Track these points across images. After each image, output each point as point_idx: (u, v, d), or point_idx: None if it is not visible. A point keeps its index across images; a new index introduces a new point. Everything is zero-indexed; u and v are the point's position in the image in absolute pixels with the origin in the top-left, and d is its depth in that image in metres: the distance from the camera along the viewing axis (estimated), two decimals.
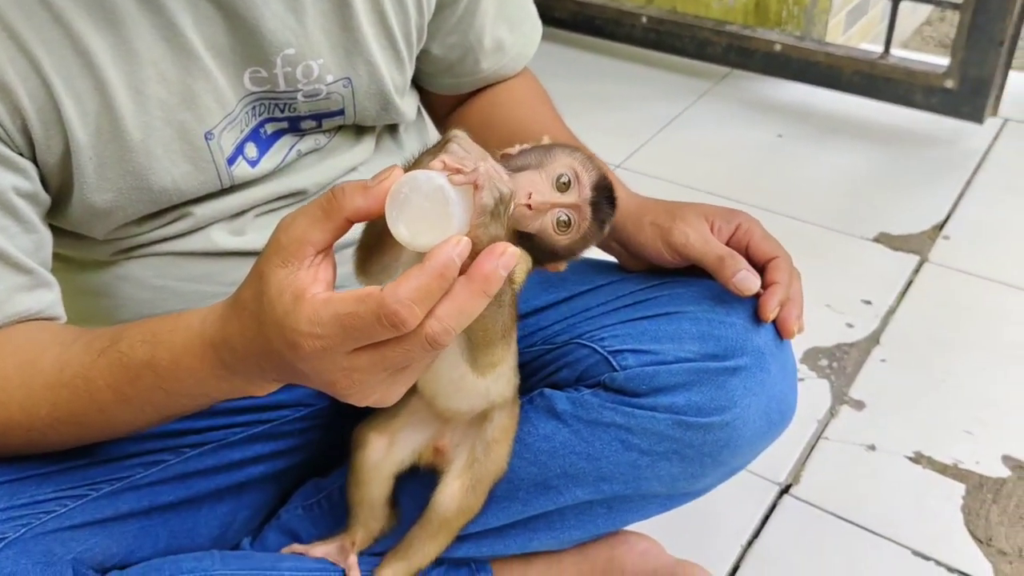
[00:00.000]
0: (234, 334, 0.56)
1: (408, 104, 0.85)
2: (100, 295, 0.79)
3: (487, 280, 0.49)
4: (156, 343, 0.60)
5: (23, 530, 0.66)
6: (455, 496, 0.75)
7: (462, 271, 0.49)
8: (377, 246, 0.58)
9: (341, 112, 0.79)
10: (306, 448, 0.87)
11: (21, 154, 0.66)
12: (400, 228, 0.50)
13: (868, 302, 1.37)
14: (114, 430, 0.67)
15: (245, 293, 0.55)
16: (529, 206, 0.60)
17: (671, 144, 1.80)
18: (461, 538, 0.78)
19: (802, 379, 1.22)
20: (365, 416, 0.83)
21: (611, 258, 0.88)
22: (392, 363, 0.51)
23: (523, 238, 0.62)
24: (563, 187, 0.62)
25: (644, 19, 2.06)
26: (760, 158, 1.75)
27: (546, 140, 0.66)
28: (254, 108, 0.75)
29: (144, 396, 0.62)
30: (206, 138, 0.71)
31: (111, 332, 0.63)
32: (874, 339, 1.30)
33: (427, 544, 0.77)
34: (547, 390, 0.79)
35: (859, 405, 1.20)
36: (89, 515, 0.71)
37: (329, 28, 0.74)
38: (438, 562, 0.80)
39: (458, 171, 0.51)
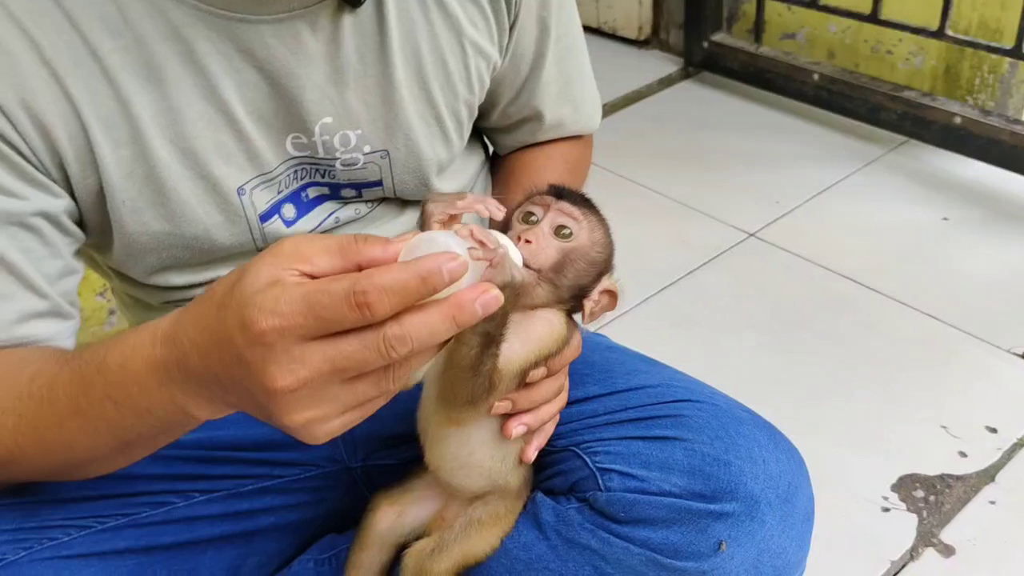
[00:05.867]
0: (187, 323, 0.53)
1: (448, 183, 0.85)
2: None
3: (461, 308, 0.48)
4: (112, 346, 0.58)
5: (23, 553, 0.69)
6: (416, 553, 0.75)
7: None
8: None
9: (379, 183, 0.80)
10: (321, 504, 0.88)
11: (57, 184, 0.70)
12: None
13: (993, 429, 1.20)
14: (74, 456, 0.63)
15: (218, 284, 0.52)
16: (528, 241, 0.63)
17: (818, 215, 1.67)
18: None
19: (887, 509, 1.09)
20: (382, 482, 0.84)
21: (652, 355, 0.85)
22: (345, 361, 0.48)
23: (558, 288, 0.64)
24: (528, 217, 0.66)
25: (816, 76, 1.94)
26: (916, 242, 1.58)
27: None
28: (296, 172, 0.77)
29: (96, 409, 0.59)
30: (238, 193, 0.75)
31: (92, 344, 0.63)
32: (988, 475, 1.14)
33: None
34: (539, 495, 0.76)
35: (948, 551, 1.05)
36: (88, 547, 0.73)
37: (371, 101, 0.76)
38: None
39: (483, 245, 0.52)
